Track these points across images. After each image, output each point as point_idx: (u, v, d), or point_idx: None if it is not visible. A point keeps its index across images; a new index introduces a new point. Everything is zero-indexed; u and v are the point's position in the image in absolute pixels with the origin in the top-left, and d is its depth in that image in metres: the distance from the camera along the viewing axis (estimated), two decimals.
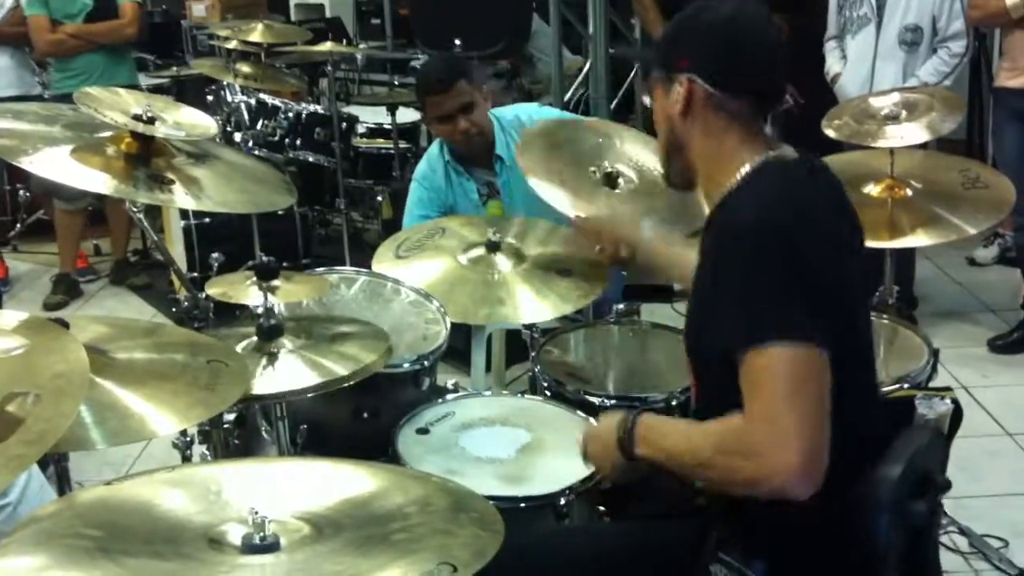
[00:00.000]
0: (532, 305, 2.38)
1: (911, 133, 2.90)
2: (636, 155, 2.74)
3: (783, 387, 1.47)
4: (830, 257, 1.57)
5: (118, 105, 2.17)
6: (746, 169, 1.65)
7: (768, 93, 1.68)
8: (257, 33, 4.86)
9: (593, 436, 1.80)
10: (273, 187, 2.31)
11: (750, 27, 1.67)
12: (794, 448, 1.45)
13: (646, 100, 1.83)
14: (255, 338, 1.98)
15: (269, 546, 1.27)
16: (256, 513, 1.27)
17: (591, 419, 2.13)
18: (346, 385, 1.90)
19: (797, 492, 1.46)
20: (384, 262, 2.54)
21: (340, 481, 1.45)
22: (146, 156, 2.11)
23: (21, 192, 5.75)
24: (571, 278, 2.44)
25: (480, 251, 2.52)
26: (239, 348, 1.95)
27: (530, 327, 2.50)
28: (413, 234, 2.69)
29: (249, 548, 1.27)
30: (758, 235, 1.54)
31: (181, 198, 2.09)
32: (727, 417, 1.53)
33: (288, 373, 1.91)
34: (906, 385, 2.32)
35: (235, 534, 1.30)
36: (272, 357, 1.94)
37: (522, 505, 1.88)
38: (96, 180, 2.01)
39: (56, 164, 2.01)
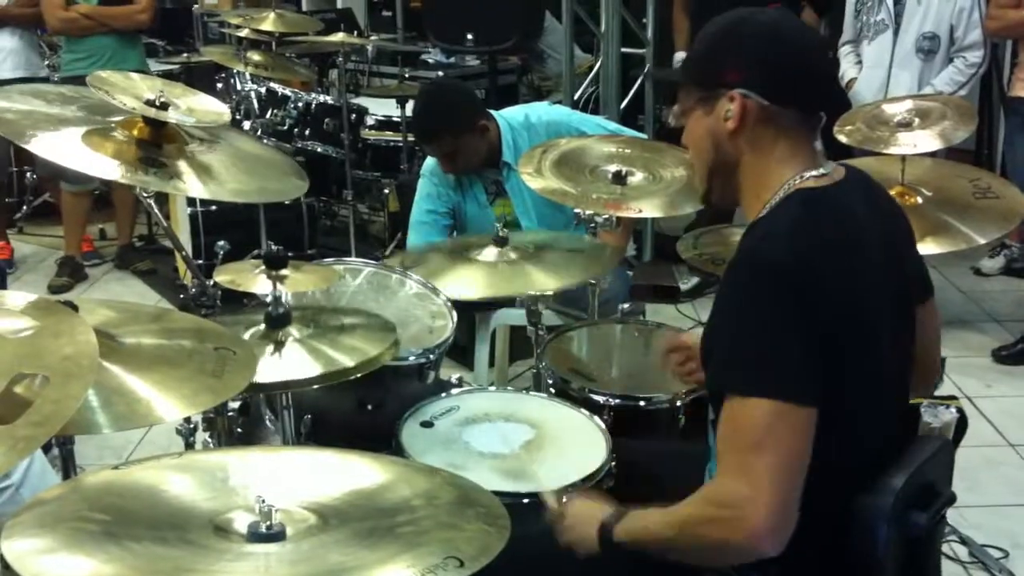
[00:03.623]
0: (545, 279, 2.45)
1: (923, 141, 2.90)
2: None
3: (758, 439, 1.44)
4: (842, 291, 1.51)
5: (131, 90, 2.16)
6: (783, 191, 1.58)
7: (819, 102, 1.62)
8: (268, 22, 4.85)
9: (570, 526, 1.72)
10: (284, 175, 2.29)
11: (794, 35, 1.61)
12: (764, 501, 1.42)
13: (671, 120, 1.74)
14: (262, 326, 1.97)
15: (275, 535, 1.27)
16: (263, 501, 1.27)
17: (594, 422, 2.13)
18: (352, 377, 1.89)
19: (763, 549, 1.44)
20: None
21: (347, 472, 1.44)
22: (157, 143, 2.09)
23: (28, 174, 5.75)
24: (581, 256, 2.59)
25: (489, 248, 2.56)
26: (246, 336, 1.94)
27: (535, 324, 2.50)
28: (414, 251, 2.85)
29: (255, 536, 1.27)
30: (757, 274, 1.49)
31: (193, 187, 2.06)
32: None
33: (295, 363, 1.90)
34: None
35: (241, 522, 1.30)
36: (279, 346, 1.94)
37: (524, 500, 1.87)
38: (106, 166, 1.98)
39: (64, 147, 1.97)
